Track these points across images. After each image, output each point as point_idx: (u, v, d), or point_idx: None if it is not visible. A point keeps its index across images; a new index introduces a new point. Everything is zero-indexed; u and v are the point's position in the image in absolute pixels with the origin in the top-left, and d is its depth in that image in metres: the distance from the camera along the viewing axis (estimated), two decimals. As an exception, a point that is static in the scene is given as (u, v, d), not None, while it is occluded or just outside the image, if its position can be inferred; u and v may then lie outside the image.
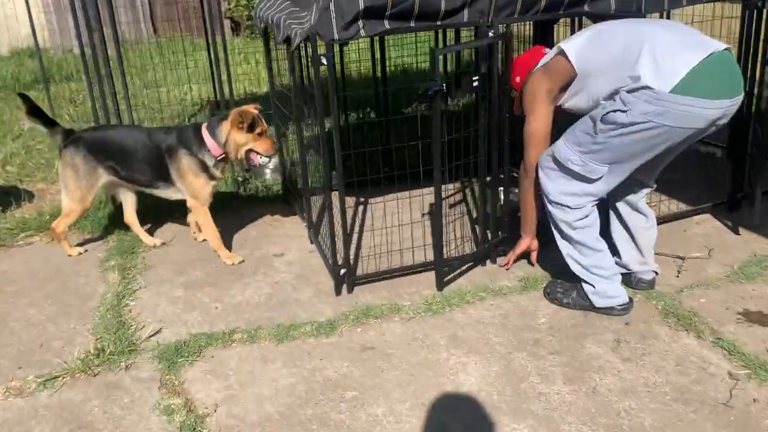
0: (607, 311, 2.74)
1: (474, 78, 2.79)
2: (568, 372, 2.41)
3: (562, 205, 2.67)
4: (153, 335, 2.79)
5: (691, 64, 2.32)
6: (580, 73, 2.59)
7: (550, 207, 2.73)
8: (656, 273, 2.94)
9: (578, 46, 2.61)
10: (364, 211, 3.93)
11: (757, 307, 2.74)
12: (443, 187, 2.90)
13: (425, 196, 3.66)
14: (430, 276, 3.16)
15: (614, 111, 2.42)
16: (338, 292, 3.05)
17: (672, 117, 2.35)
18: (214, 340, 2.73)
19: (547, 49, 2.87)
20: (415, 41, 6.31)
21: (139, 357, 2.64)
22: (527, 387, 2.35)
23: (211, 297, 3.11)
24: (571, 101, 2.69)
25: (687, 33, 2.48)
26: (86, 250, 3.62)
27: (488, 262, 3.24)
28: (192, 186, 3.33)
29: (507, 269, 3.16)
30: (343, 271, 3.01)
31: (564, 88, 2.68)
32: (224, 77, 4.30)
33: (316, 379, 2.46)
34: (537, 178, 2.76)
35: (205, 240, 3.55)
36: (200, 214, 3.40)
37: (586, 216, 2.66)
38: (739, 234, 3.38)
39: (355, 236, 3.59)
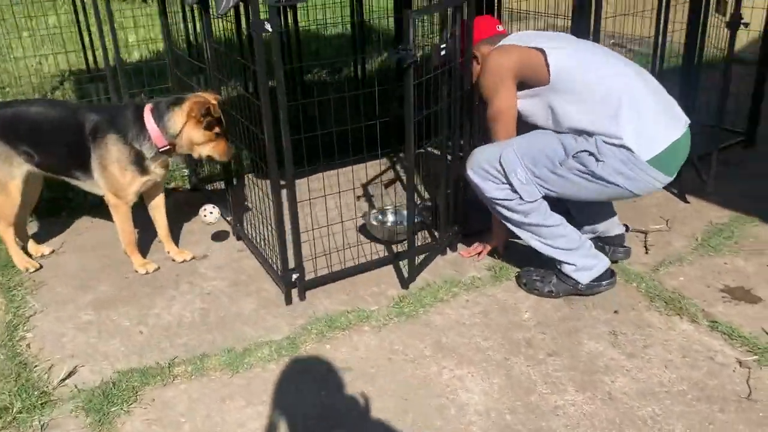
0: (594, 288, 2.55)
1: (442, 47, 2.41)
2: (576, 377, 2.17)
3: (501, 200, 2.48)
4: (68, 377, 2.23)
5: (671, 138, 2.31)
6: (551, 84, 2.36)
7: (493, 206, 2.54)
8: (627, 228, 2.84)
9: (562, 58, 2.38)
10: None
11: (735, 282, 2.65)
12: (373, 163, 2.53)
13: (360, 171, 3.27)
14: (390, 272, 2.80)
15: (589, 154, 2.28)
16: (289, 300, 2.62)
17: (637, 185, 2.32)
18: (151, 377, 2.22)
19: (501, 26, 2.62)
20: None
21: (56, 410, 2.08)
22: (538, 400, 2.08)
23: (131, 318, 2.56)
24: (526, 105, 2.48)
25: (662, 96, 2.41)
26: (-48, 269, 2.89)
27: (447, 250, 2.93)
28: (116, 181, 2.68)
29: (477, 260, 2.87)
30: (295, 276, 2.57)
31: (522, 86, 2.45)
32: (107, 42, 3.58)
33: (291, 418, 2.04)
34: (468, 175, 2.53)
35: (185, 261, 2.95)
36: (119, 214, 2.77)
37: (529, 201, 2.44)
38: (689, 202, 3.32)
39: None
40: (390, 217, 3.12)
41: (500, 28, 2.62)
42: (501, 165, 2.41)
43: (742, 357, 2.23)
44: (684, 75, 3.33)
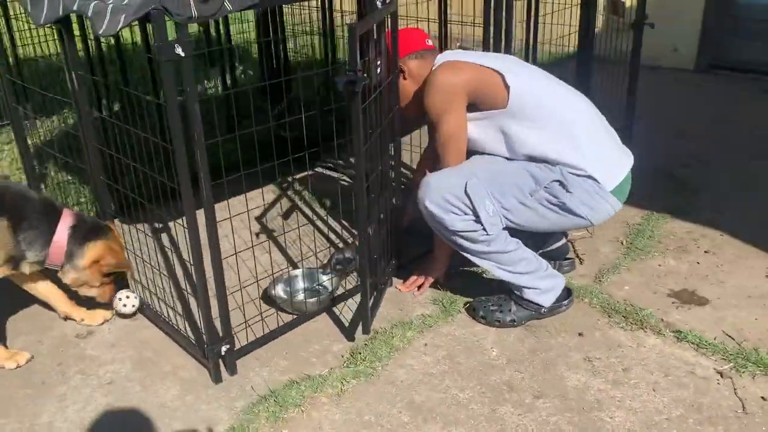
0: (555, 310, 2.40)
1: (378, 64, 2.10)
2: (574, 419, 1.98)
3: (463, 231, 2.25)
4: None
5: (627, 167, 2.29)
6: (508, 109, 2.19)
7: (451, 237, 2.29)
8: (566, 238, 2.73)
9: (520, 82, 2.21)
10: (172, 239, 2.94)
11: (677, 284, 2.63)
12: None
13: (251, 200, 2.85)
14: (327, 322, 2.44)
15: (560, 184, 2.17)
16: (218, 378, 2.16)
17: (598, 216, 2.27)
18: None
19: (430, 41, 2.38)
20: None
21: None
22: (547, 456, 1.86)
23: (13, 436, 1.95)
24: (474, 129, 2.28)
25: (608, 126, 2.37)
26: None
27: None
28: None
29: (417, 295, 2.59)
30: (225, 347, 2.12)
31: (471, 107, 2.25)
32: None
33: None
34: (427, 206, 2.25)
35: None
36: None
37: (493, 233, 2.25)
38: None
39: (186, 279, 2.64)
40: (300, 283, 2.62)
41: (429, 42, 2.36)
42: (467, 196, 2.16)
43: (719, 366, 2.17)
44: (579, 76, 3.32)
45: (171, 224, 2.98)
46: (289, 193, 3.54)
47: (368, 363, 2.21)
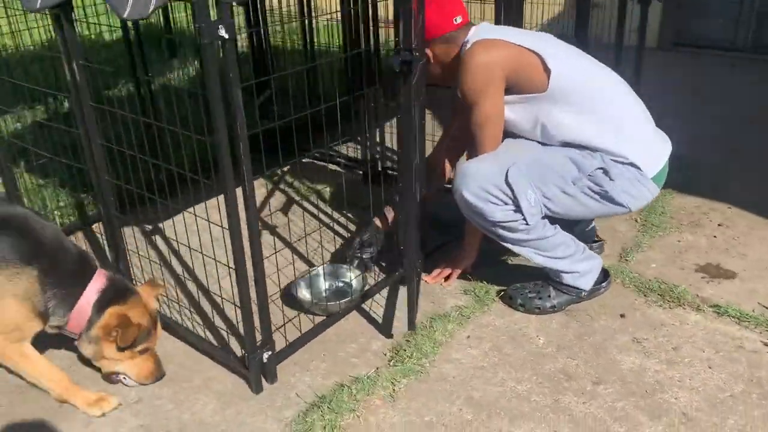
0: (595, 293, 2.35)
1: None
2: (640, 403, 1.93)
3: (503, 222, 2.16)
4: None
5: (667, 153, 2.22)
6: (548, 93, 2.09)
7: (489, 228, 2.20)
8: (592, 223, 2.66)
9: (561, 64, 2.09)
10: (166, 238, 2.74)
11: (700, 258, 2.62)
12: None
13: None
14: (355, 320, 2.31)
15: (604, 172, 2.09)
16: (259, 387, 2.00)
17: (638, 203, 2.19)
18: None
19: (460, 17, 2.23)
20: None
21: None
22: (623, 443, 1.80)
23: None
24: (509, 113, 2.18)
25: (645, 109, 2.27)
26: None
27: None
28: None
29: (445, 287, 2.48)
30: (267, 354, 1.97)
31: (508, 90, 2.14)
32: None
33: None
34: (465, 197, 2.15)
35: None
36: (10, 356, 1.89)
37: (530, 219, 2.16)
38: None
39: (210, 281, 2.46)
40: (324, 282, 2.46)
41: (459, 20, 2.22)
42: (508, 185, 2.07)
43: (765, 339, 2.17)
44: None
45: (180, 222, 2.77)
46: (282, 186, 3.37)
47: (415, 360, 2.10)
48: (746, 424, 1.83)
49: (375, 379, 2.03)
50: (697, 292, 2.40)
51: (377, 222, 2.51)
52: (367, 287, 2.38)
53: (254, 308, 1.90)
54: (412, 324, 2.18)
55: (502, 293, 2.40)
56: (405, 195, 2.05)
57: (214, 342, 2.17)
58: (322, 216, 3.05)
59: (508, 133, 2.24)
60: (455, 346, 2.18)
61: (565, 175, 2.11)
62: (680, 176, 3.26)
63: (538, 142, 2.21)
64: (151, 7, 1.56)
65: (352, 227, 2.92)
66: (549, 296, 2.29)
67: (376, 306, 2.38)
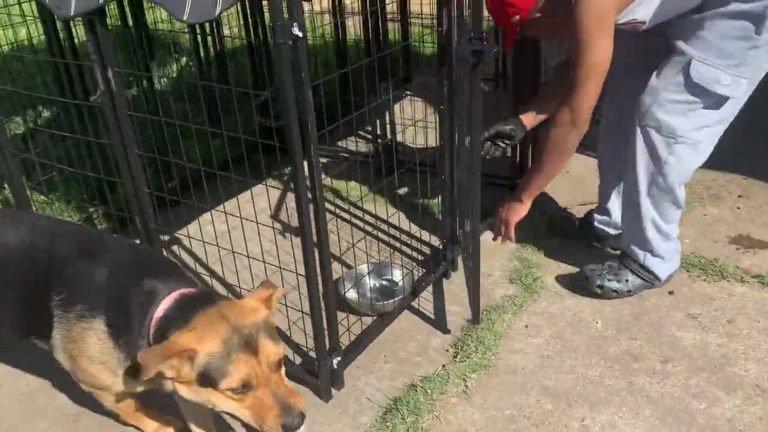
0: (667, 282, 2.32)
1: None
2: (713, 378, 1.94)
3: (695, 142, 2.03)
4: None
5: None
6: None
7: (675, 148, 2.04)
8: None
9: None
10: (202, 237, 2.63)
11: (730, 231, 2.66)
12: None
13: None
14: (405, 317, 2.27)
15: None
16: (329, 394, 1.95)
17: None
18: None
19: None
20: None
21: None
22: (706, 419, 1.80)
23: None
24: (642, 8, 1.93)
25: None
26: None
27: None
28: (92, 380, 1.59)
29: (504, 242, 2.34)
30: (336, 360, 1.91)
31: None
32: None
33: None
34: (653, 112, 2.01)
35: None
36: (106, 402, 1.69)
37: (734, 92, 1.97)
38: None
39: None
40: (373, 282, 2.38)
41: None
42: (695, 83, 1.93)
43: (814, 305, 2.22)
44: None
45: (218, 222, 2.67)
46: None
47: (480, 354, 2.07)
48: (819, 391, 1.87)
49: (445, 377, 1.99)
50: (737, 264, 2.44)
51: (522, 118, 2.24)
52: (414, 283, 2.33)
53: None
54: (476, 317, 2.15)
55: (576, 275, 2.37)
56: (469, 186, 2.01)
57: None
58: (342, 213, 2.98)
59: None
60: (515, 336, 2.16)
61: (745, 32, 1.89)
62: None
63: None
64: (219, 9, 1.48)
65: (381, 224, 2.86)
66: (627, 280, 2.26)
67: (424, 302, 2.34)
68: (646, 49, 2.12)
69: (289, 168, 1.62)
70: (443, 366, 2.04)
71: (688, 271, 2.42)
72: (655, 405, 1.86)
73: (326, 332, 1.87)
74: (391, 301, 2.22)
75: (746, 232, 2.64)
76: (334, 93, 3.41)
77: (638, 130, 2.08)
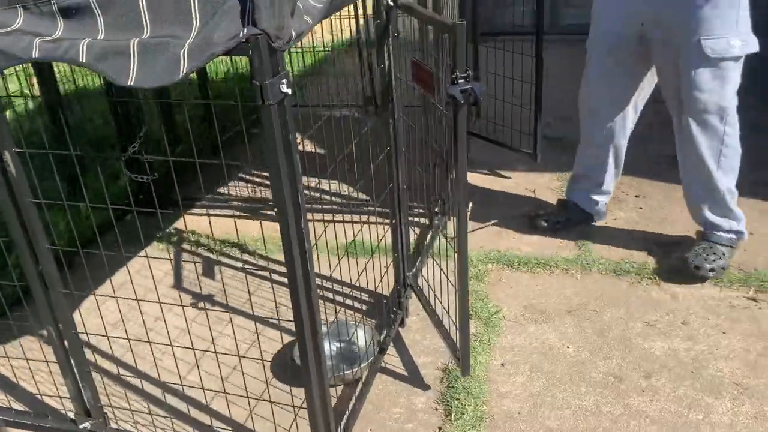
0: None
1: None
2: (696, 384, 1.98)
3: (733, 114, 2.28)
4: None
5: None
6: None
7: (727, 118, 2.28)
8: None
9: None
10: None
11: (642, 231, 2.79)
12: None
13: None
14: (380, 380, 2.08)
15: None
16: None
17: None
18: None
19: None
20: None
21: None
22: (723, 430, 1.83)
23: None
24: None
25: None
26: None
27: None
28: None
29: None
30: None
31: None
32: None
33: None
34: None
35: None
36: None
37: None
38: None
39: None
40: (333, 345, 2.15)
41: None
42: (713, 57, 2.16)
43: (746, 294, 2.37)
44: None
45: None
46: (187, 244, 2.92)
47: (473, 406, 1.94)
48: (788, 377, 1.98)
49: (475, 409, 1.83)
50: (661, 264, 2.55)
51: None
52: (378, 341, 2.14)
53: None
54: (467, 368, 2.00)
55: (681, 262, 2.44)
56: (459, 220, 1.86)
57: None
58: (258, 270, 2.70)
59: None
60: (498, 378, 2.06)
61: None
62: (566, 156, 3.45)
63: None
64: (185, 68, 1.20)
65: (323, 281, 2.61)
66: (723, 254, 2.40)
67: (388, 357, 2.16)
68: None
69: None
70: (440, 429, 1.88)
71: (620, 276, 2.48)
72: (659, 425, 1.85)
73: (323, 421, 1.62)
74: (365, 364, 2.02)
75: (657, 230, 2.79)
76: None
77: (689, 120, 2.29)
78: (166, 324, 1.83)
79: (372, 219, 2.55)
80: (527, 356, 2.14)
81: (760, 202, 2.87)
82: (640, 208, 2.98)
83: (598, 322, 2.27)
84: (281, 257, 1.41)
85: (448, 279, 2.00)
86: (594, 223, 2.84)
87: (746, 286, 2.38)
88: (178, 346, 1.79)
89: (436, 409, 1.95)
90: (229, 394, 1.84)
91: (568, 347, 2.17)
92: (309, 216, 2.07)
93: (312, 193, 3.06)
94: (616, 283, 2.46)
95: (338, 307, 2.32)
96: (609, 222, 2.87)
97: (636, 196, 3.07)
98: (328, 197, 2.88)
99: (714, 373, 2.02)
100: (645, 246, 2.68)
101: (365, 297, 2.44)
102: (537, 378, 2.05)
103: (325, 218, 2.62)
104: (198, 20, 1.18)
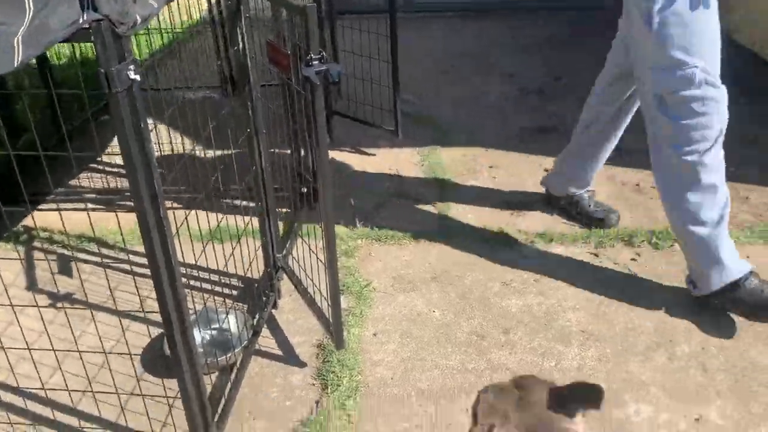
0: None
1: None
2: (548, 335, 2.17)
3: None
4: None
5: None
6: None
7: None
8: None
9: None
10: None
11: (498, 198, 2.98)
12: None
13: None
14: (260, 363, 2.10)
15: None
16: None
17: None
18: None
19: None
20: None
21: None
22: (572, 374, 2.02)
23: None
24: None
25: None
26: None
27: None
28: None
29: None
30: (215, 439, 1.67)
31: None
32: None
33: None
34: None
35: None
36: None
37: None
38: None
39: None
40: (204, 333, 2.11)
41: None
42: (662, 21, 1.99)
43: (588, 250, 2.61)
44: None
45: None
46: (39, 242, 2.75)
47: (348, 377, 2.01)
48: (628, 322, 2.22)
49: (325, 414, 1.89)
50: (517, 227, 2.75)
51: None
52: (251, 324, 2.15)
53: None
54: (340, 343, 2.05)
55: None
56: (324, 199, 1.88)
57: None
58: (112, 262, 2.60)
59: None
60: (370, 348, 2.14)
61: None
62: (438, 134, 3.61)
63: None
64: (20, 57, 1.13)
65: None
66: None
67: (263, 340, 2.18)
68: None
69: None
70: (317, 402, 1.93)
71: (487, 241, 2.65)
72: (516, 374, 2.02)
73: (199, 410, 1.62)
74: (238, 349, 2.02)
75: (510, 197, 2.99)
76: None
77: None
78: (21, 328, 1.72)
79: (237, 204, 2.53)
80: (397, 324, 2.24)
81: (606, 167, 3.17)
82: (494, 177, 3.17)
83: (461, 286, 2.41)
84: (143, 248, 1.38)
85: (317, 258, 2.04)
86: (453, 194, 3.00)
87: (588, 242, 2.63)
88: (36, 349, 1.70)
89: (313, 384, 2.00)
90: (97, 392, 1.78)
91: (434, 312, 2.29)
92: (170, 204, 2.01)
93: (172, 180, 2.96)
94: (475, 248, 2.61)
95: (207, 295, 2.29)
96: (467, 191, 3.04)
97: (490, 167, 3.27)
98: (187, 184, 2.81)
99: (563, 323, 2.22)
100: (499, 212, 2.86)
101: (235, 282, 2.42)
102: (407, 344, 2.15)
103: (188, 205, 2.57)
104: (31, 6, 1.12)
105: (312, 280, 2.14)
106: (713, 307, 2.19)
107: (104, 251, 2.64)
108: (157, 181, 1.34)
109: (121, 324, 2.01)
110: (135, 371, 1.89)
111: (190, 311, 2.00)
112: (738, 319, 2.18)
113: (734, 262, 2.12)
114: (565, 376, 2.01)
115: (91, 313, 1.92)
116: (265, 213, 2.15)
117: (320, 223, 2.07)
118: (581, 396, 1.77)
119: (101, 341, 1.79)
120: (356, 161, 3.34)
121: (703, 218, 2.09)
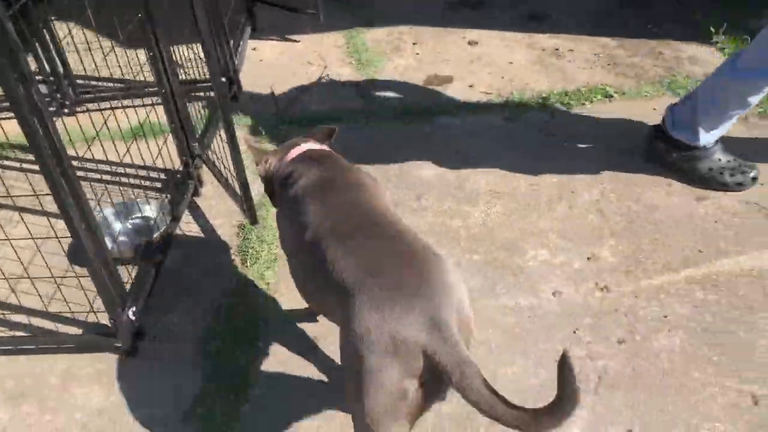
0: None
1: None
2: (457, 197, 2.27)
3: None
4: None
5: None
6: None
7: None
8: None
9: None
10: None
11: (419, 74, 3.00)
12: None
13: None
14: (187, 243, 2.19)
15: None
16: (133, 351, 1.83)
17: None
18: None
19: None
20: None
21: None
22: (476, 230, 2.14)
23: None
24: None
25: None
26: None
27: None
28: None
29: None
30: (132, 310, 1.78)
31: None
32: None
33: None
34: None
35: None
36: None
37: None
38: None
39: None
40: (125, 225, 2.17)
41: None
42: None
43: (504, 116, 2.67)
44: None
45: None
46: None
47: (267, 250, 2.11)
48: (534, 180, 2.32)
49: (245, 283, 2.00)
50: (439, 101, 2.79)
51: None
52: (171, 210, 2.22)
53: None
54: (254, 218, 2.12)
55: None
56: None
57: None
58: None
59: None
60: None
61: None
62: (362, 16, 3.57)
63: None
64: None
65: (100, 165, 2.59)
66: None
67: (188, 226, 2.26)
68: None
69: None
70: (237, 275, 2.04)
71: (406, 119, 2.70)
72: (424, 234, 2.12)
73: (111, 286, 1.72)
74: (157, 234, 2.10)
75: (432, 72, 3.01)
76: None
77: None
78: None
79: (139, 102, 2.52)
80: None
81: (528, 35, 3.18)
82: (417, 54, 3.18)
83: (380, 160, 2.48)
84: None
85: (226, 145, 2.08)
86: (376, 73, 3.01)
87: (504, 108, 2.69)
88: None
89: (233, 260, 2.10)
90: (32, 278, 1.86)
91: (352, 186, 2.37)
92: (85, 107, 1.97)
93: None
94: (398, 125, 2.67)
95: (130, 189, 2.34)
96: (390, 69, 3.05)
97: (414, 43, 3.26)
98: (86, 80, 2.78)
99: (473, 186, 2.32)
100: (421, 87, 2.90)
101: (155, 175, 2.47)
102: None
103: (101, 107, 2.57)
104: None
105: (226, 167, 2.19)
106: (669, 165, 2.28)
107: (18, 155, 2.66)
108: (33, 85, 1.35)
109: (49, 222, 2.07)
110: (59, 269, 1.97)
111: (108, 203, 2.08)
112: (637, 168, 2.29)
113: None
114: (469, 233, 2.13)
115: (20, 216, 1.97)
116: (170, 98, 2.16)
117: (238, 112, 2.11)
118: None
119: (31, 236, 1.84)
120: (280, 49, 3.31)
121: (749, 101, 2.11)
